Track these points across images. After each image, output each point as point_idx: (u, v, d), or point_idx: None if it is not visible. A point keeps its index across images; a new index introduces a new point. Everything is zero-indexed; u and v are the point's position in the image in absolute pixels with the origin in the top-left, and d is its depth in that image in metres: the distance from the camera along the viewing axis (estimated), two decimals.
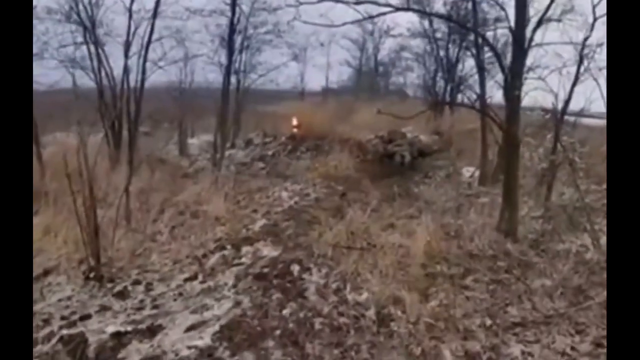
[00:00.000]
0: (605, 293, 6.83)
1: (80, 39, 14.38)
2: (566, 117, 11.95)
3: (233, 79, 19.24)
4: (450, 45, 22.51)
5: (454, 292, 6.98)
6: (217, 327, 5.81)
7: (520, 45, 9.29)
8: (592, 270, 7.53)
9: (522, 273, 7.69)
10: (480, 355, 5.52)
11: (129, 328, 5.86)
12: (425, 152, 17.67)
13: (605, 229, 8.94)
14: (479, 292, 7.05)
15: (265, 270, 7.53)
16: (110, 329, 5.85)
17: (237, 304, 6.44)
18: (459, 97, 22.56)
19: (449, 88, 23.67)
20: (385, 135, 17.77)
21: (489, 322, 6.26)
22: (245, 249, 8.53)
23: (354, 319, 6.17)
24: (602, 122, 14.77)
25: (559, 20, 12.63)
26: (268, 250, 8.39)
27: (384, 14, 9.77)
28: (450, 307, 6.59)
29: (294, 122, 20.60)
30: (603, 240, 8.44)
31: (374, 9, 9.68)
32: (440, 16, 16.94)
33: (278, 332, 5.77)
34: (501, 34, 15.22)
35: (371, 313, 6.30)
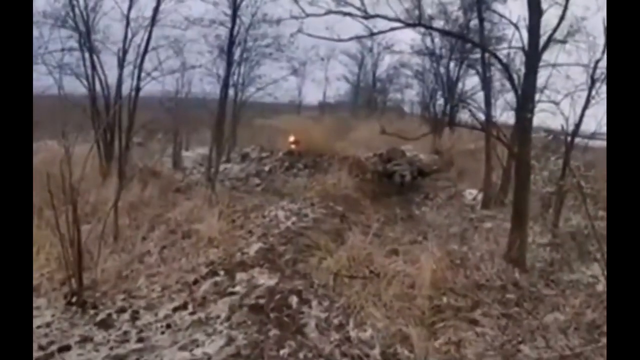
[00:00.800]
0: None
1: (75, 44, 13.94)
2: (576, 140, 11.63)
3: (231, 92, 18.87)
4: (451, 64, 22.30)
5: (462, 328, 6.62)
6: None
7: (533, 66, 8.97)
8: (604, 304, 7.11)
9: (534, 307, 7.41)
10: None
11: None
12: (425, 172, 17.43)
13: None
14: (489, 328, 6.70)
15: (261, 301, 7.00)
16: None
17: (231, 340, 5.93)
18: (459, 115, 22.37)
19: (448, 106, 23.43)
20: (384, 154, 17.53)
21: None
22: (239, 275, 7.99)
23: (358, 359, 5.73)
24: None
25: (565, 42, 12.39)
26: (264, 279, 7.86)
27: (393, 29, 9.41)
28: (459, 345, 6.24)
29: (292, 138, 20.27)
30: None
31: (381, 23, 9.37)
32: (450, 34, 16.67)
33: None
34: (504, 55, 14.94)
35: (376, 352, 5.90)
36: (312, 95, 37.58)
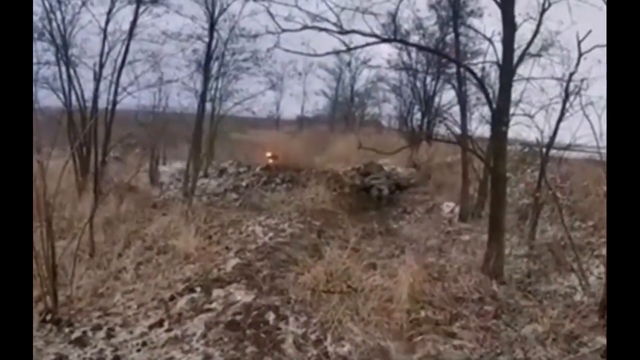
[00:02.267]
0: (599, 339, 6.60)
1: (52, 58, 13.80)
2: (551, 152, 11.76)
3: (208, 106, 18.78)
4: (428, 78, 22.48)
5: (441, 342, 6.56)
6: None
7: (508, 79, 9.06)
8: (582, 314, 7.21)
9: (512, 318, 7.39)
10: None
11: None
12: (403, 186, 17.48)
13: (592, 268, 8.73)
14: (467, 341, 6.67)
15: (238, 317, 6.94)
16: None
17: (207, 357, 5.90)
18: (437, 129, 22.51)
19: (425, 120, 23.58)
20: (362, 168, 17.54)
21: None
22: (216, 292, 7.91)
23: None
24: (584, 156, 14.75)
25: (539, 55, 12.56)
26: (241, 295, 7.79)
27: (369, 44, 9.46)
28: (438, 358, 6.22)
29: (269, 152, 20.22)
30: (591, 280, 8.23)
31: (356, 39, 9.40)
32: (426, 49, 16.82)
33: None
34: (479, 69, 15.09)
35: None
36: (290, 110, 37.54)
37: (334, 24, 8.92)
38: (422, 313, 7.31)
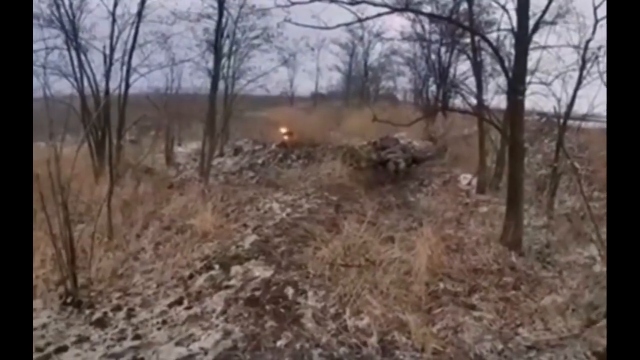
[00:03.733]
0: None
1: (61, 44, 13.80)
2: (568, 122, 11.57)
3: (221, 85, 18.74)
4: (442, 49, 22.20)
5: (460, 313, 6.56)
6: None
7: (524, 47, 8.89)
8: (602, 284, 7.12)
9: (531, 289, 7.36)
10: None
11: None
12: (420, 159, 17.38)
13: None
14: (487, 312, 6.66)
15: (257, 293, 6.97)
16: None
17: (227, 334, 5.90)
18: (452, 101, 22.30)
19: (441, 92, 23.35)
20: (378, 142, 17.44)
21: (500, 346, 5.87)
22: (234, 269, 7.94)
23: (356, 348, 5.69)
24: (602, 126, 14.55)
25: (554, 23, 12.32)
26: (260, 271, 7.82)
27: (380, 14, 9.30)
28: (457, 330, 6.18)
29: (284, 129, 20.19)
30: None
31: (368, 11, 9.26)
32: (440, 17, 16.54)
33: None
34: (494, 38, 14.84)
35: (374, 340, 5.84)
36: (305, 86, 37.46)
37: None
38: (441, 285, 7.32)
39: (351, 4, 8.69)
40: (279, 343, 5.71)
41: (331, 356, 5.50)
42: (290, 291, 7.02)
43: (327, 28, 9.33)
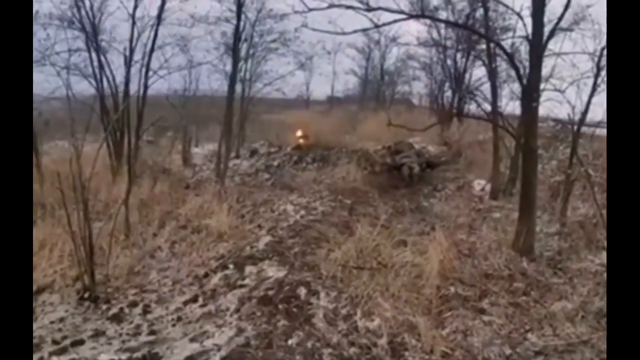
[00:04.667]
0: None
1: (82, 45, 14.01)
2: (582, 129, 11.54)
3: (238, 88, 18.89)
4: (458, 55, 22.19)
5: (470, 317, 6.62)
6: (217, 359, 5.40)
7: (538, 54, 8.93)
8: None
9: (541, 295, 7.36)
10: None
11: (123, 357, 5.48)
12: (434, 164, 17.38)
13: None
14: (497, 317, 6.69)
15: (270, 293, 7.09)
16: (103, 357, 5.47)
17: (240, 331, 6.03)
18: (468, 107, 22.27)
19: (456, 98, 23.32)
20: (392, 146, 17.48)
21: (508, 351, 5.93)
22: (249, 268, 8.10)
23: (366, 348, 5.78)
24: None
25: (570, 30, 12.30)
26: (273, 271, 7.97)
27: (396, 21, 9.39)
28: (467, 334, 6.25)
29: (300, 132, 20.31)
30: None
31: (384, 16, 9.34)
32: (455, 24, 16.58)
33: None
34: (509, 44, 14.86)
35: (383, 342, 5.92)
36: (321, 90, 37.53)
37: (360, 2, 8.89)
38: (452, 289, 7.37)
39: (368, 10, 8.79)
40: (290, 342, 5.82)
41: (341, 355, 5.59)
42: (302, 291, 7.13)
43: (344, 34, 9.42)
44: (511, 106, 15.64)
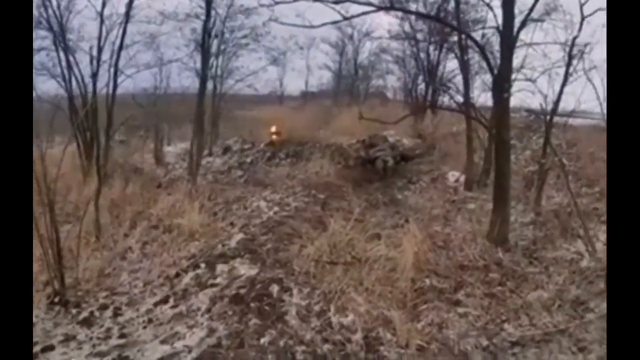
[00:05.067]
0: (605, 305, 6.55)
1: (50, 44, 13.74)
2: (555, 119, 11.61)
3: (210, 85, 18.74)
4: (431, 47, 22.21)
5: (445, 309, 6.60)
6: None
7: (509, 45, 8.93)
8: (588, 279, 7.19)
9: (517, 285, 7.36)
10: None
11: None
12: (408, 157, 17.33)
13: (599, 234, 8.68)
14: (472, 308, 6.68)
15: (242, 291, 6.99)
16: None
17: (211, 331, 5.93)
18: (441, 99, 22.33)
19: (430, 90, 23.37)
20: (366, 140, 17.41)
21: (485, 342, 5.91)
22: (220, 267, 7.96)
23: (340, 344, 5.71)
24: (590, 122, 14.62)
25: (541, 20, 12.36)
26: (245, 269, 7.84)
27: (365, 13, 9.31)
28: (442, 326, 6.22)
29: (273, 128, 20.20)
30: (598, 246, 8.18)
31: (353, 9, 9.25)
32: (425, 16, 16.51)
33: None
34: (479, 37, 14.88)
35: (358, 337, 5.86)
36: (294, 85, 37.48)
37: None
38: (427, 282, 7.33)
39: (335, 2, 8.69)
40: (262, 340, 5.73)
41: (315, 353, 5.52)
42: (275, 289, 7.02)
43: (313, 27, 9.34)
44: (484, 97, 15.69)
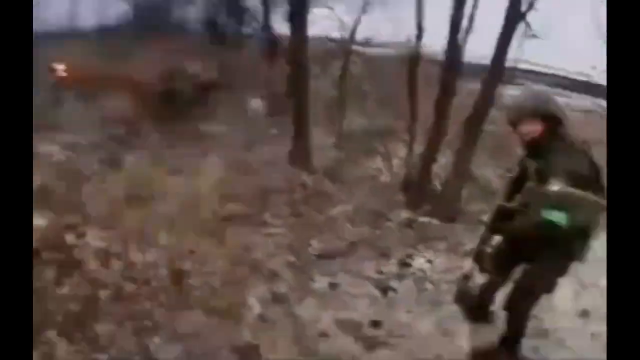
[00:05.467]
0: (402, 213, 7.02)
1: None
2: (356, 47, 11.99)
3: None
4: None
5: (251, 232, 6.67)
6: None
7: None
8: (386, 193, 7.60)
9: (321, 203, 7.54)
10: (287, 296, 5.25)
11: None
12: (209, 87, 16.97)
13: (396, 151, 9.20)
14: (279, 229, 6.81)
15: (35, 245, 6.35)
16: None
17: None
18: (245, 29, 22.13)
19: (233, 21, 23.04)
20: (165, 73, 16.76)
21: (292, 259, 6.06)
22: None
23: (145, 283, 5.45)
24: (388, 52, 15.22)
25: None
26: (35, 220, 7.14)
27: None
28: (250, 249, 6.24)
29: (60, 66, 18.49)
30: (395, 162, 8.64)
31: None
32: None
33: (59, 317, 4.82)
34: None
35: (163, 271, 5.65)
36: (90, 20, 34.60)
37: None
38: (231, 208, 7.28)
39: None
40: (61, 291, 5.27)
41: (119, 293, 5.23)
42: (70, 236, 6.43)
43: None
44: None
